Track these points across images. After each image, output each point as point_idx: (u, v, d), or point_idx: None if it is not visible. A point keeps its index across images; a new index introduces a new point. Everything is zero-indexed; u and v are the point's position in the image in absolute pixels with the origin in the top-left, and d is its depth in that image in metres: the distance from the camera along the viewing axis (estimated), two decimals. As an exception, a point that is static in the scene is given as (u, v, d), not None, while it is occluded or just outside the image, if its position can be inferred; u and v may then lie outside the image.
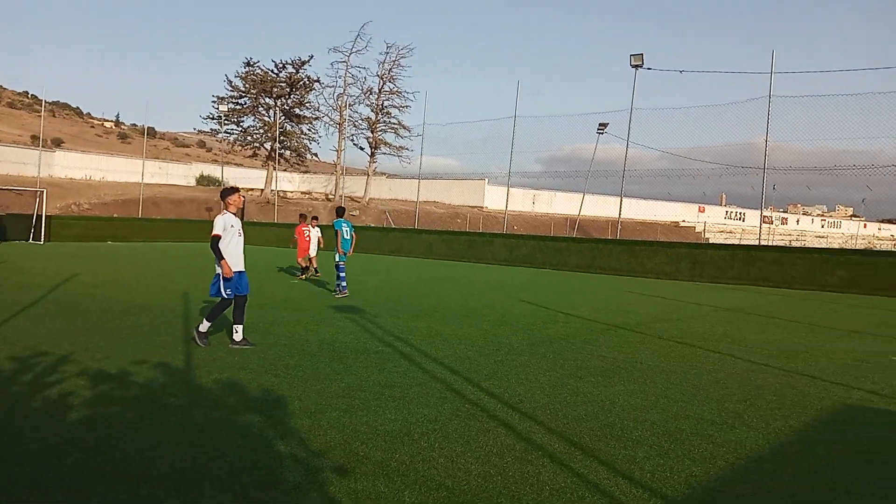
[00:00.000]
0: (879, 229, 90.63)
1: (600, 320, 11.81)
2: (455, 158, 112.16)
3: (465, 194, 60.40)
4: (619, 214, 28.86)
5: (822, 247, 36.88)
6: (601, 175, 33.11)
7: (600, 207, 51.38)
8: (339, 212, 14.94)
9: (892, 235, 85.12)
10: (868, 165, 24.71)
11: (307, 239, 18.05)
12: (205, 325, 8.05)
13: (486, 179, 57.87)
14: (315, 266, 18.13)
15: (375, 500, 3.79)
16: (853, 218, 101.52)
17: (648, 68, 27.00)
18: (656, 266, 23.84)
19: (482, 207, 58.73)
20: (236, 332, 8.09)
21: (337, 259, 14.10)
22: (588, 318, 11.98)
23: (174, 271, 18.81)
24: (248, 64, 55.72)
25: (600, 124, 31.04)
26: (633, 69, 26.86)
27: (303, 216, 19.11)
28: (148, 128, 59.92)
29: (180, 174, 65.24)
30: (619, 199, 28.50)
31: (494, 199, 57.55)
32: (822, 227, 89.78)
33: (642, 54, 26.50)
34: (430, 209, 54.21)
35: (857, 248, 48.19)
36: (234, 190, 8.31)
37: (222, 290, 7.96)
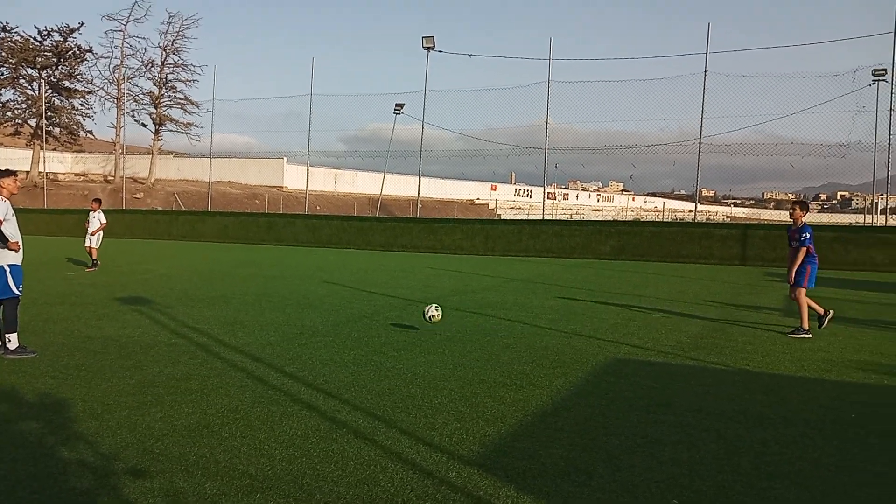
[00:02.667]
0: (645, 202, 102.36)
1: (402, 296, 12.17)
2: (252, 136, 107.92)
3: (263, 174, 58.33)
4: (419, 193, 29.73)
5: (596, 219, 40.86)
6: (401, 155, 33.72)
7: (402, 186, 52.34)
8: None
9: (656, 207, 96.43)
10: (633, 145, 27.87)
11: (86, 225, 16.60)
12: (14, 339, 6.91)
13: (285, 158, 56.23)
14: (95, 258, 16.27)
15: (174, 496, 3.65)
16: (624, 192, 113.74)
17: (440, 51, 27.91)
18: (454, 242, 25.00)
19: (282, 187, 57.13)
20: (9, 340, 6.96)
21: None
22: (391, 295, 12.29)
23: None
24: (3, 29, 48.79)
25: (396, 105, 31.53)
26: (426, 51, 27.63)
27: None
28: None
29: (-80, 155, 55.68)
30: (418, 178, 29.33)
31: (295, 178, 56.18)
32: (598, 201, 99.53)
33: (433, 37, 27.39)
34: (224, 190, 51.65)
35: (626, 219, 53.89)
36: (10, 173, 7.23)
37: (13, 286, 6.96)
